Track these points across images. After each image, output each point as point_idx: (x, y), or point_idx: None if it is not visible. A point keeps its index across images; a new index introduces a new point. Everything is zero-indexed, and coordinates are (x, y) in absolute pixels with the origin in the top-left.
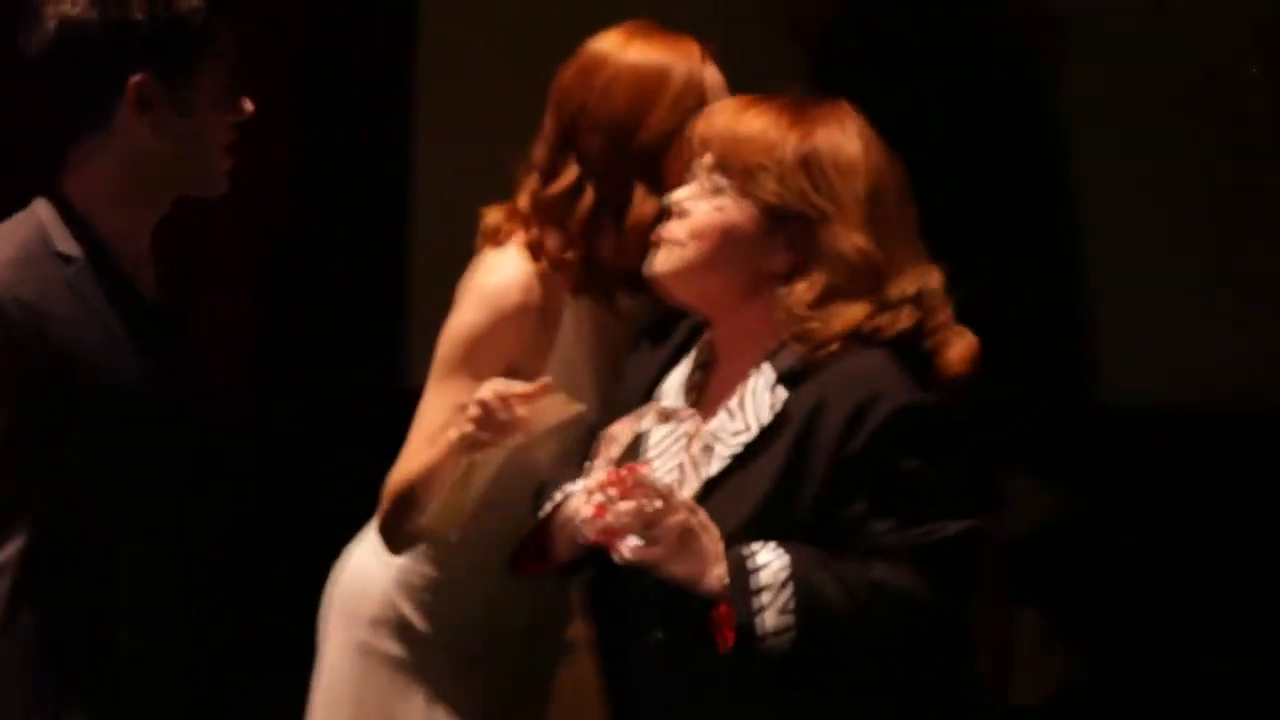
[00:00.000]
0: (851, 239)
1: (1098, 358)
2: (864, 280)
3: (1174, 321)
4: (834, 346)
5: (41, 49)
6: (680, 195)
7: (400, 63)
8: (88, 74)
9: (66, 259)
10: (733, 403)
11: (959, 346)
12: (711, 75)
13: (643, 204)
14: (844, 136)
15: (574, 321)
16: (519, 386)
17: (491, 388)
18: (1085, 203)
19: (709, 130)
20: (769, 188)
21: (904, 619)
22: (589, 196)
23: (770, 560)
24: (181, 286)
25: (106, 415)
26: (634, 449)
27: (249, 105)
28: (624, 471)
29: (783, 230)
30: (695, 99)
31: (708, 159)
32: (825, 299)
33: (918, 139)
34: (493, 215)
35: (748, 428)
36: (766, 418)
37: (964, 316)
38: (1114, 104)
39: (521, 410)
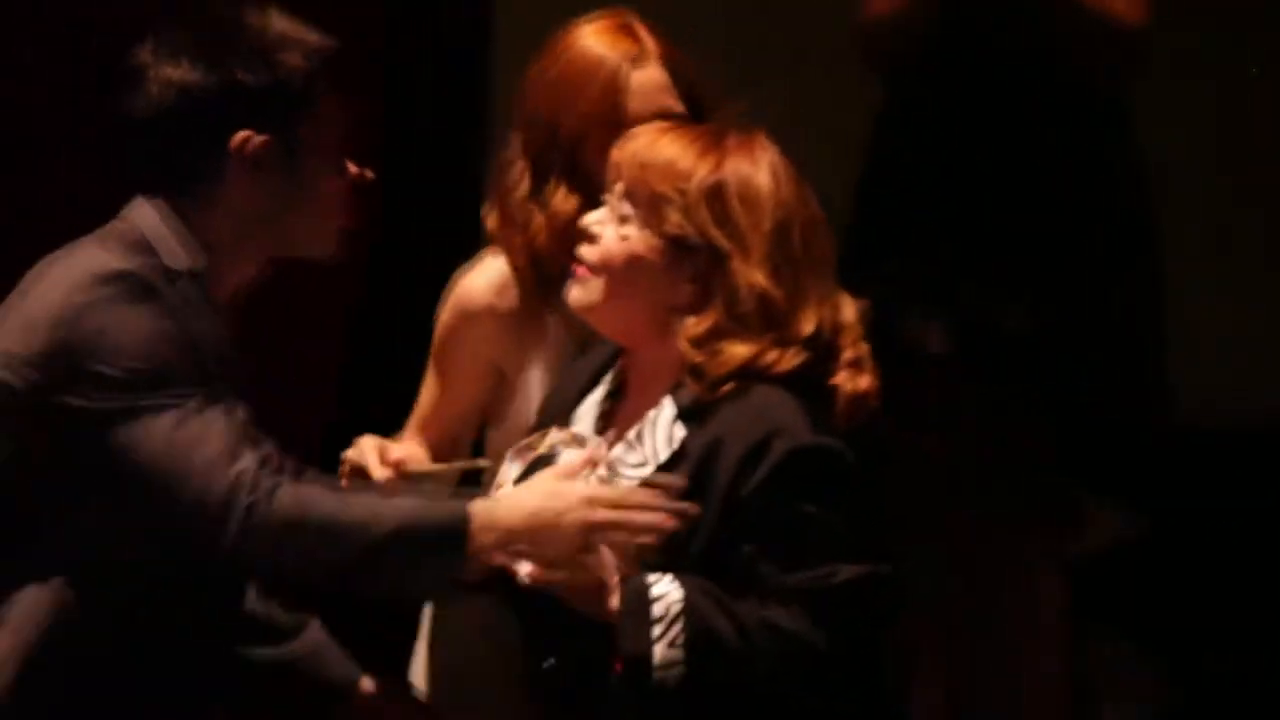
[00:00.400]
0: (750, 275)
1: (1174, 376)
2: (757, 317)
3: (1253, 340)
4: (728, 385)
5: (147, 112)
6: (591, 219)
7: (481, 103)
8: (194, 135)
9: (187, 273)
10: (632, 434)
11: (859, 384)
12: (642, 79)
13: (562, 201)
14: (754, 169)
15: (558, 326)
16: (392, 452)
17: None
18: (1173, 216)
19: (621, 155)
20: (672, 219)
21: (795, 662)
22: (522, 188)
23: (666, 591)
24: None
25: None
26: (536, 469)
27: (355, 169)
28: None
29: (688, 262)
30: (611, 101)
31: (619, 186)
32: (715, 335)
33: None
34: (490, 218)
35: (645, 461)
36: (664, 454)
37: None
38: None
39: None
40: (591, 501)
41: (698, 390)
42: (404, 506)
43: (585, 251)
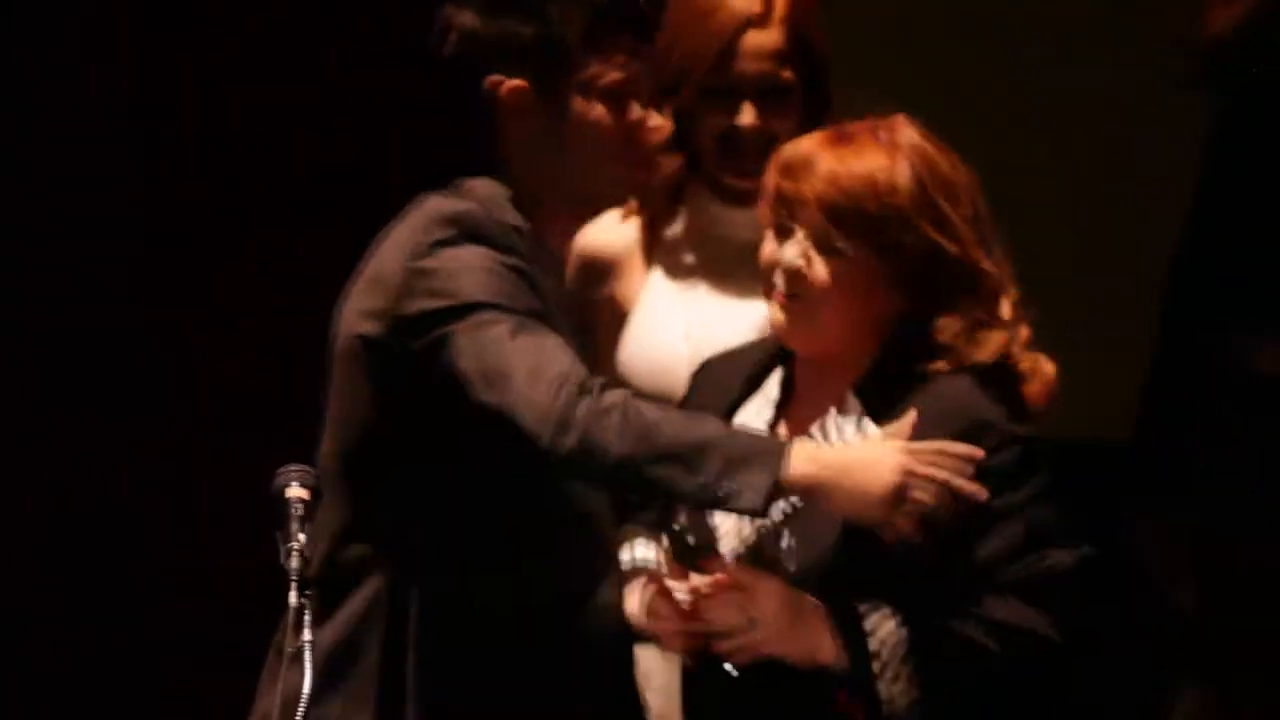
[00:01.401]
0: (973, 263)
1: None
2: (994, 304)
3: None
4: (935, 370)
5: (446, 55)
6: (790, 257)
7: None
8: (479, 77)
9: (514, 229)
10: (815, 431)
11: (1045, 374)
12: (757, 40)
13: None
14: (939, 156)
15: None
16: None
17: None
18: None
19: (801, 185)
20: (895, 235)
21: (1029, 653)
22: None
23: (882, 626)
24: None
25: None
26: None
27: (638, 113)
28: (706, 576)
29: (905, 269)
30: (719, 56)
31: (807, 214)
32: (974, 328)
33: None
34: None
35: None
36: None
37: None
38: None
39: None
40: (911, 451)
41: (884, 382)
42: (725, 425)
43: (790, 285)
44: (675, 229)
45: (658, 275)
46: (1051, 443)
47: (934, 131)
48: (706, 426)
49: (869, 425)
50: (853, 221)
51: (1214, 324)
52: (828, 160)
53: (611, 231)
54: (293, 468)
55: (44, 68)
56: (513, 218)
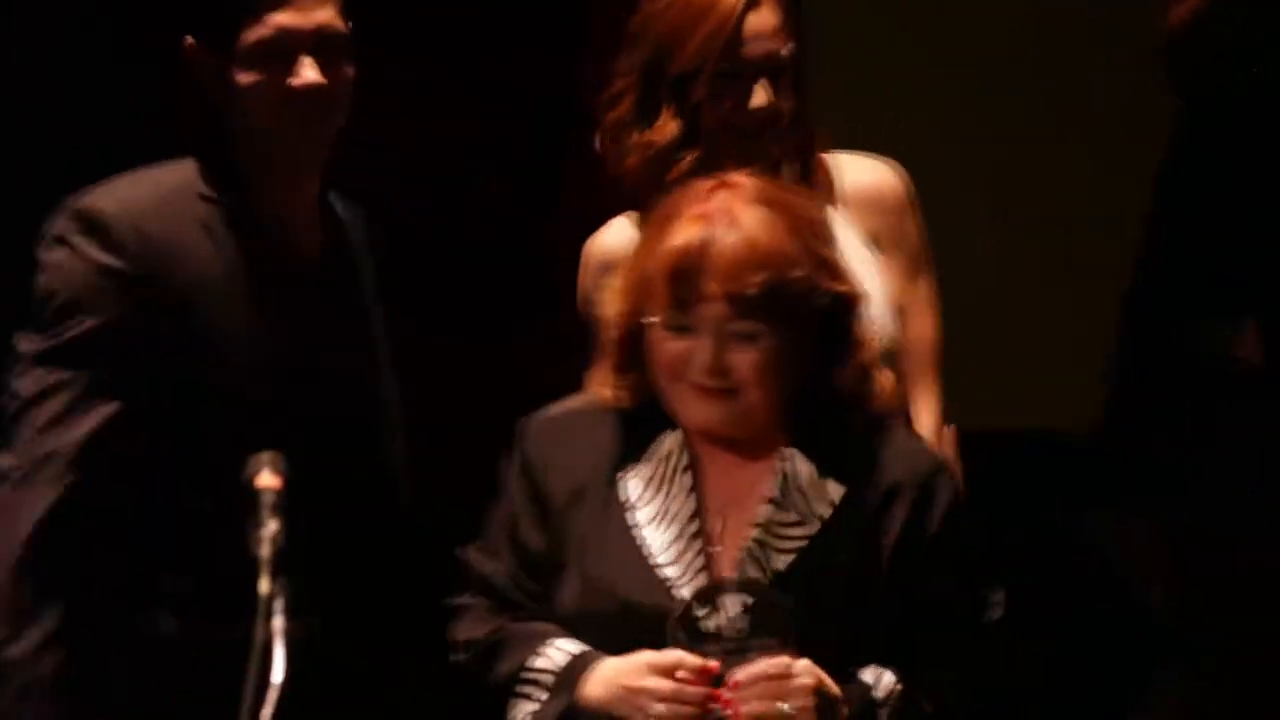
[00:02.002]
0: (856, 301)
1: None
2: (868, 338)
3: None
4: (872, 421)
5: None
6: (706, 357)
7: None
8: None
9: (208, 199)
10: (774, 494)
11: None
12: (756, 22)
13: (661, 129)
14: (801, 201)
15: None
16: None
17: None
18: None
19: (711, 281)
20: (812, 303)
21: (1000, 687)
22: (625, 115)
23: (881, 682)
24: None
25: (215, 359)
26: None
27: (303, 71)
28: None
29: (809, 328)
30: (724, 42)
31: (721, 306)
32: (865, 374)
33: None
34: (599, 146)
35: (804, 520)
36: (825, 509)
37: None
38: None
39: None
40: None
41: (826, 433)
42: None
43: (714, 377)
44: None
45: None
46: (1015, 432)
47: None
48: None
49: (832, 486)
50: (760, 305)
51: (1184, 312)
52: (718, 247)
53: (623, 234)
54: (264, 455)
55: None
56: (211, 190)
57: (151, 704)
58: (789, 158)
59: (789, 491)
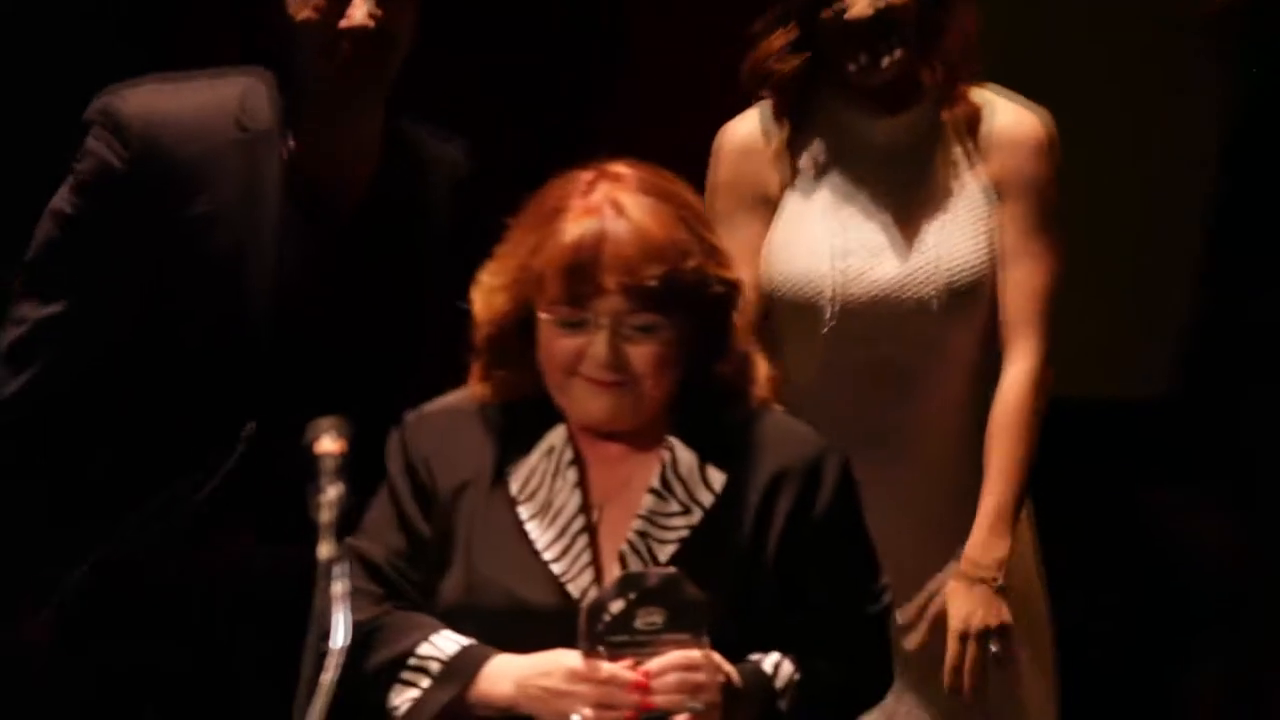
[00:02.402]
0: (738, 287)
1: None
2: (743, 324)
3: None
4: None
5: None
6: (603, 352)
7: None
8: None
9: (244, 128)
10: (654, 484)
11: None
12: None
13: (785, 31)
14: (678, 188)
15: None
16: None
17: None
18: None
19: (595, 275)
20: (706, 293)
21: (869, 690)
22: (768, 25)
23: (780, 672)
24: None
25: (226, 290)
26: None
27: (353, 12)
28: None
29: (699, 317)
30: None
31: (618, 300)
32: (745, 362)
33: None
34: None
35: (687, 509)
36: (707, 497)
37: None
38: None
39: None
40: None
41: (708, 422)
42: None
43: (612, 374)
44: (811, 139)
45: (798, 186)
46: (1087, 401)
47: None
48: None
49: (713, 472)
50: (656, 297)
51: (1260, 283)
52: (608, 244)
53: (758, 123)
54: (325, 420)
55: None
56: (251, 120)
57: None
58: (932, 87)
59: (670, 481)
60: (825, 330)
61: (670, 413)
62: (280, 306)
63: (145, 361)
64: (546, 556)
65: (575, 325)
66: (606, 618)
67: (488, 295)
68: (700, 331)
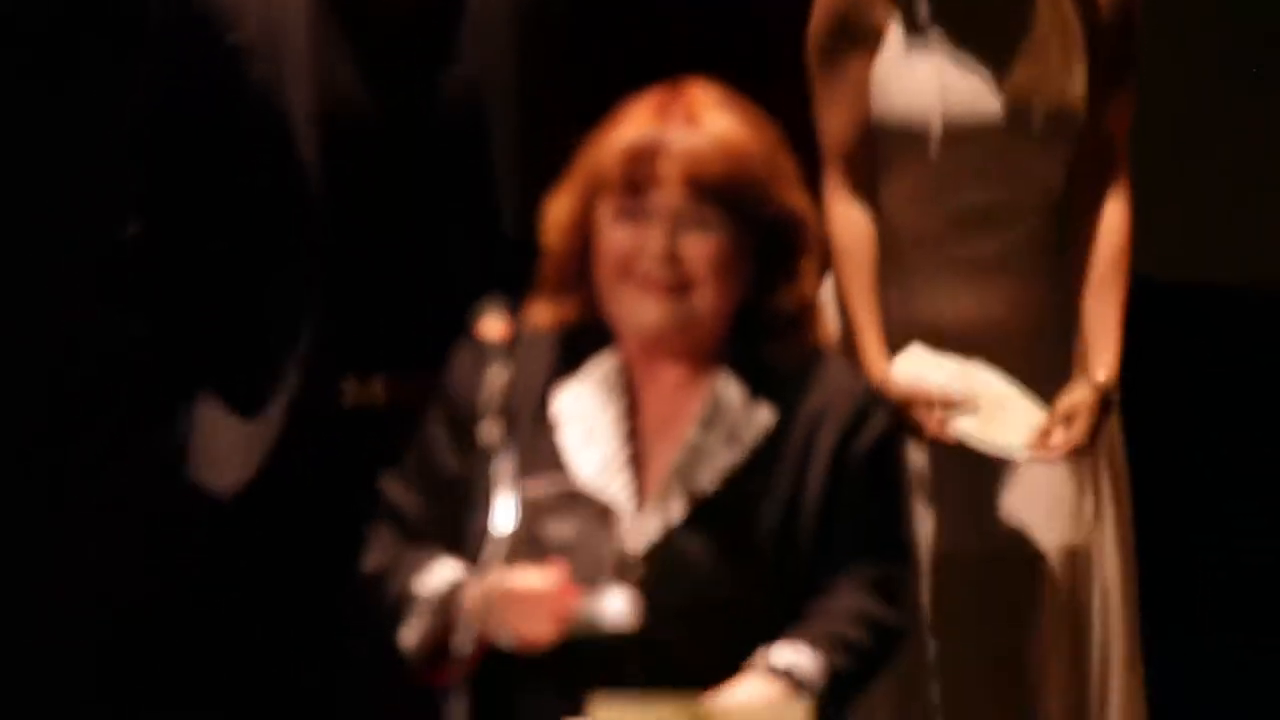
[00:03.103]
0: (810, 224)
1: None
2: (815, 265)
3: None
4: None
5: None
6: (659, 242)
7: None
8: None
9: None
10: (703, 415)
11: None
12: None
13: None
14: (760, 113)
15: None
16: None
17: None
18: None
19: (659, 162)
20: (757, 208)
21: (890, 650)
22: None
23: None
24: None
25: (274, 110)
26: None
27: None
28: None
29: (761, 238)
30: None
31: (677, 191)
32: (806, 301)
33: None
34: None
35: (733, 444)
36: (754, 435)
37: None
38: None
39: None
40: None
41: (762, 359)
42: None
43: (670, 271)
44: None
45: (903, 19)
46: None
47: None
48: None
49: (762, 410)
50: (718, 193)
51: None
52: (676, 134)
53: None
54: (489, 302)
55: None
56: None
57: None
58: None
59: (719, 414)
60: (932, 160)
61: (724, 345)
62: (330, 146)
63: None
64: (589, 485)
65: (633, 217)
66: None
67: (553, 207)
68: (761, 258)
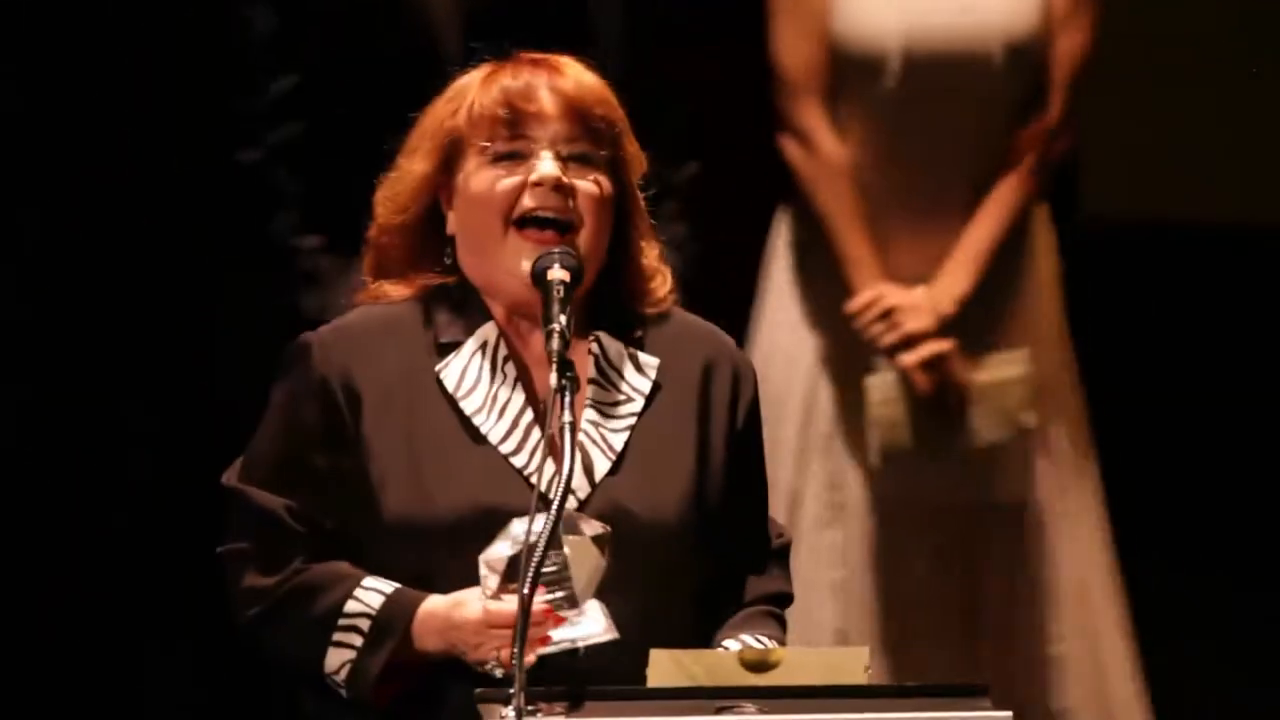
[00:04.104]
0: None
1: None
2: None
3: None
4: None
5: None
6: (548, 171)
7: None
8: None
9: None
10: (592, 373)
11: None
12: None
13: None
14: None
15: None
16: None
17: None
18: None
19: (551, 99)
20: (628, 149)
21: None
22: None
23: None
24: None
25: None
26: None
27: None
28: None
29: (622, 190)
30: None
31: (561, 124)
32: (655, 269)
33: None
34: None
35: (630, 397)
36: (645, 383)
37: None
38: None
39: None
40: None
41: (626, 316)
42: None
43: (562, 201)
44: None
45: None
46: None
47: None
48: None
49: (646, 359)
50: (596, 130)
51: None
52: (547, 78)
53: None
54: (555, 249)
55: None
56: None
57: None
58: None
59: (605, 370)
60: (891, 86)
61: (588, 310)
62: None
63: None
64: (504, 450)
65: (513, 158)
66: (504, 568)
67: (391, 185)
68: (616, 219)
